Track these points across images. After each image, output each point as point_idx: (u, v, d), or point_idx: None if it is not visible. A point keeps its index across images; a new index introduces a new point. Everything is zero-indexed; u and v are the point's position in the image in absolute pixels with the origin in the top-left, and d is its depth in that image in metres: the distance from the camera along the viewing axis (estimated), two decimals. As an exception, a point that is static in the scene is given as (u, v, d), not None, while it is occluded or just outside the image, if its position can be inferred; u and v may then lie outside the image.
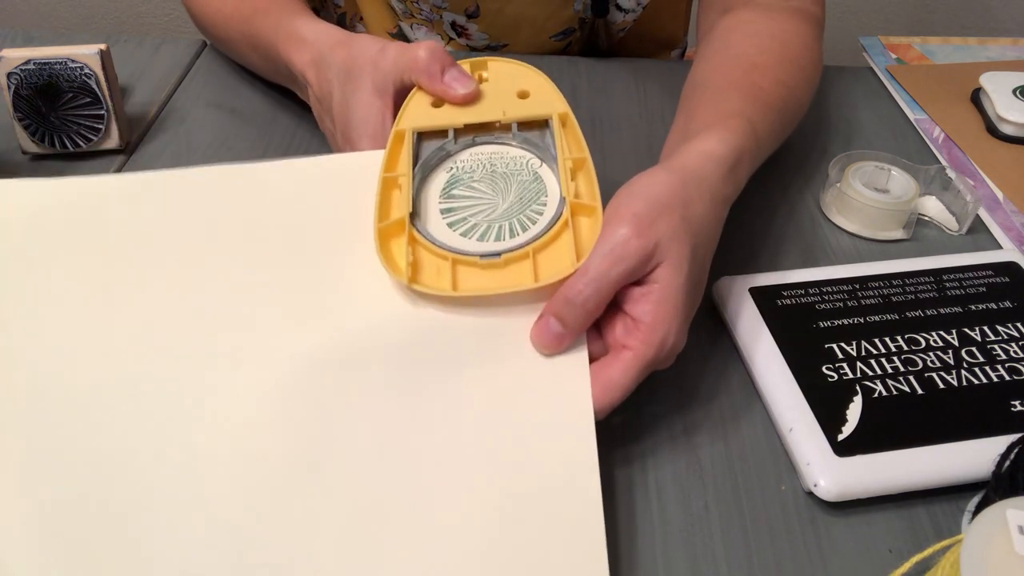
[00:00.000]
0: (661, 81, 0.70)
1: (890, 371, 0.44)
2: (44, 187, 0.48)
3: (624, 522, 0.40)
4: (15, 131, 0.58)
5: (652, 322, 0.40)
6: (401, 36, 0.76)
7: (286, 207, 0.46)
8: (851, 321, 0.47)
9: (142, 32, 1.69)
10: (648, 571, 0.38)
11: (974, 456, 0.40)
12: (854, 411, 0.42)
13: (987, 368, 0.45)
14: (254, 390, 0.40)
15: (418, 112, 0.48)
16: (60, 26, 1.68)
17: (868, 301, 0.48)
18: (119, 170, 0.60)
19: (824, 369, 0.44)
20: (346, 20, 0.78)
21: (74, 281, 0.43)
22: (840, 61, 0.74)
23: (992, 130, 0.65)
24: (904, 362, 0.45)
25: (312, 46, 0.54)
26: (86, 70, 0.57)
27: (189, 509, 0.36)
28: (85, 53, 0.57)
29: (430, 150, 0.47)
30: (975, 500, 0.40)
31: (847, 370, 0.44)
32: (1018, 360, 0.45)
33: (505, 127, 0.47)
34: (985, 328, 0.47)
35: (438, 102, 0.48)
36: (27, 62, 0.56)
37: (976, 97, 0.68)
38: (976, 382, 0.44)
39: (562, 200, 0.43)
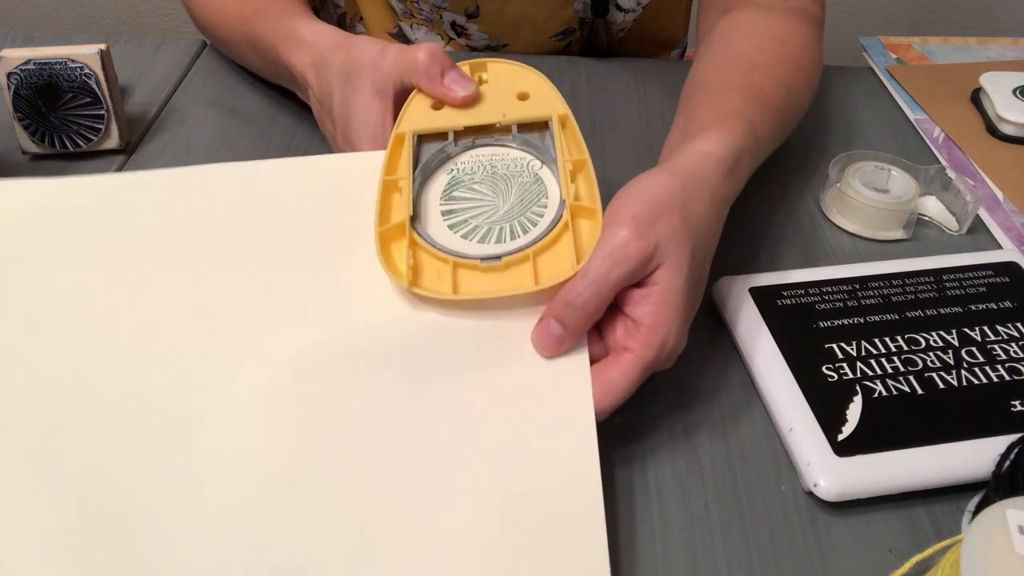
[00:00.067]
0: (661, 81, 0.70)
1: (890, 371, 0.44)
2: (44, 187, 0.48)
3: (624, 522, 0.40)
4: (15, 131, 0.58)
5: (652, 324, 0.40)
6: (401, 36, 0.76)
7: (287, 207, 0.46)
8: (851, 321, 0.47)
9: (142, 32, 1.69)
10: (648, 571, 0.38)
11: (974, 456, 0.40)
12: (854, 411, 0.42)
13: (987, 368, 0.45)
14: (255, 391, 0.40)
15: (418, 115, 0.48)
16: (60, 26, 1.68)
17: (868, 301, 0.48)
18: (119, 170, 0.60)
19: (824, 369, 0.44)
20: (346, 20, 0.78)
21: (74, 281, 0.43)
22: (840, 61, 0.74)
23: (992, 130, 0.65)
24: (904, 362, 0.45)
25: (312, 48, 0.54)
26: (86, 70, 0.57)
27: (190, 509, 0.36)
28: (85, 53, 0.57)
29: (430, 152, 0.47)
30: (975, 500, 0.40)
31: (847, 370, 0.44)
32: (1018, 360, 0.45)
33: (505, 129, 0.47)
34: (985, 328, 0.47)
35: (438, 104, 0.48)
36: (27, 62, 0.56)
37: (976, 97, 0.68)
38: (976, 382, 0.44)
39: (562, 202, 0.43)
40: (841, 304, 0.48)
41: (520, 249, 0.42)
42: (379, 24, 0.76)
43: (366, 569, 0.35)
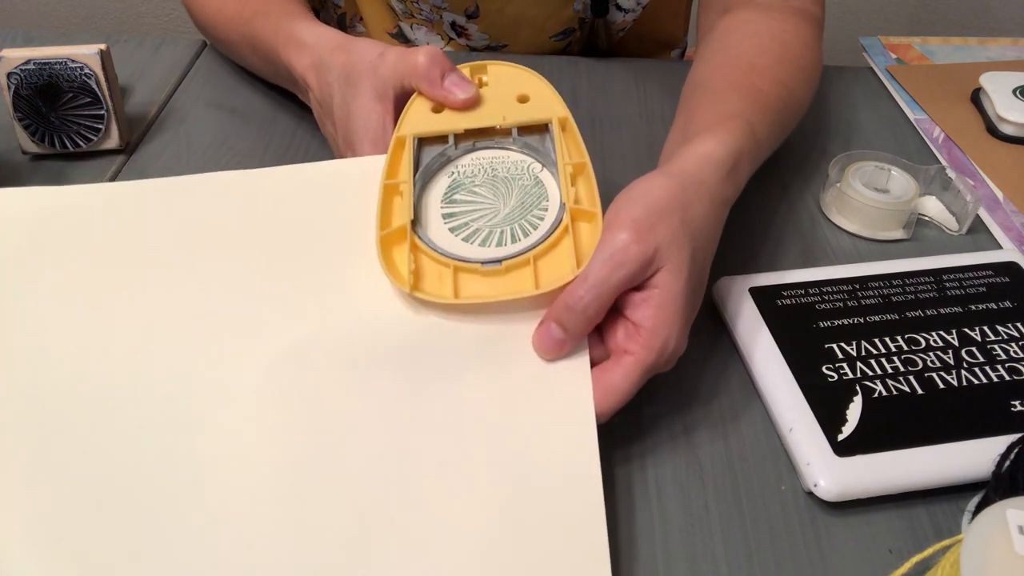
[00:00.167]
0: (661, 81, 0.70)
1: (890, 371, 0.44)
2: (45, 195, 0.48)
3: (624, 522, 0.40)
4: (15, 131, 0.58)
5: (653, 327, 0.40)
6: (401, 36, 0.76)
7: (288, 212, 0.46)
8: (851, 321, 0.47)
9: (142, 32, 1.69)
10: (648, 571, 0.38)
11: (974, 456, 0.40)
12: (854, 411, 0.42)
13: (987, 368, 0.45)
14: (255, 392, 0.40)
15: (418, 118, 0.48)
16: (60, 26, 1.68)
17: (868, 301, 0.48)
18: (119, 170, 0.60)
19: (824, 369, 0.44)
20: (346, 20, 0.78)
21: (75, 287, 0.43)
22: (840, 61, 0.74)
23: (992, 130, 0.65)
24: (904, 362, 0.45)
25: (312, 50, 0.54)
26: (86, 70, 0.57)
27: (190, 510, 0.36)
28: (85, 53, 0.57)
29: (431, 156, 0.47)
30: (975, 500, 0.40)
31: (847, 370, 0.44)
32: (1018, 360, 0.45)
33: (505, 132, 0.47)
34: (985, 328, 0.47)
35: (438, 107, 0.48)
36: (27, 62, 0.56)
37: (976, 97, 0.68)
38: (976, 382, 0.44)
39: (562, 206, 0.44)
40: (841, 304, 0.48)
41: (520, 252, 0.42)
42: (379, 24, 0.76)
43: (366, 569, 0.35)
